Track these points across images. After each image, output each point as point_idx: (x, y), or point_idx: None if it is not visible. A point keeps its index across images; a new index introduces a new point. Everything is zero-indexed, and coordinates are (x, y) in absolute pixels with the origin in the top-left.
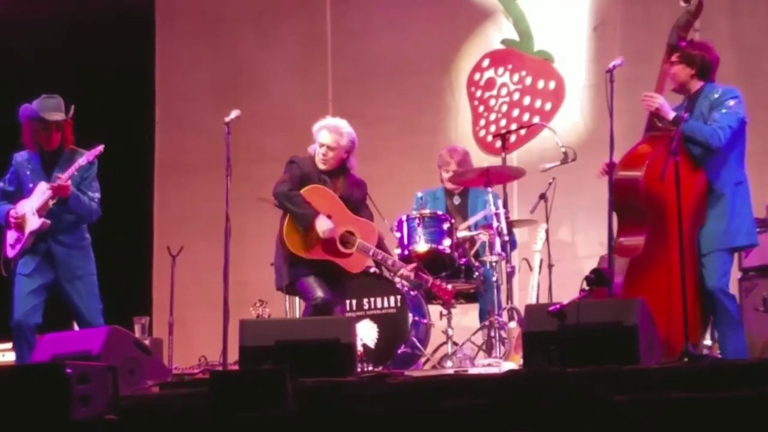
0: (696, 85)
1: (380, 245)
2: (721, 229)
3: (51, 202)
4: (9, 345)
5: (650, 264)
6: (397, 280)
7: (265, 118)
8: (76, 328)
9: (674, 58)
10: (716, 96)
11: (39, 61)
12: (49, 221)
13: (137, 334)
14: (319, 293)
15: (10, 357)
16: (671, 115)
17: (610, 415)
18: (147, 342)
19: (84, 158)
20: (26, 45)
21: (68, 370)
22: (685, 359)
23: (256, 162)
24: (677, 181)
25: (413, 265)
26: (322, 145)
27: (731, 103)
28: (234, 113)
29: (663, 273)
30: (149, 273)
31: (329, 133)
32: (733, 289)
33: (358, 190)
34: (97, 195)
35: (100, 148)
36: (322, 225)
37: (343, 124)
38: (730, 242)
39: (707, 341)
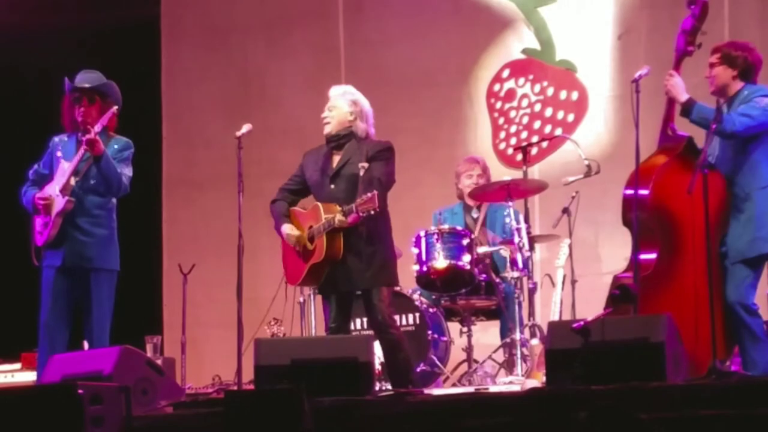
0: (737, 86)
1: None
2: (748, 237)
3: (73, 180)
4: (18, 365)
5: (675, 279)
6: (415, 298)
7: (277, 132)
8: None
9: (715, 59)
10: (746, 94)
11: (43, 75)
12: (73, 200)
13: (149, 354)
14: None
15: (20, 377)
16: (683, 97)
17: None
18: (159, 362)
19: (98, 125)
20: (31, 59)
21: (80, 391)
22: (713, 376)
23: (267, 177)
24: (705, 196)
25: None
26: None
27: (758, 98)
28: (245, 127)
29: (689, 288)
30: (159, 291)
31: (330, 95)
32: (763, 302)
33: (357, 160)
34: (129, 174)
35: (113, 110)
36: (285, 229)
37: (349, 88)
38: (758, 250)
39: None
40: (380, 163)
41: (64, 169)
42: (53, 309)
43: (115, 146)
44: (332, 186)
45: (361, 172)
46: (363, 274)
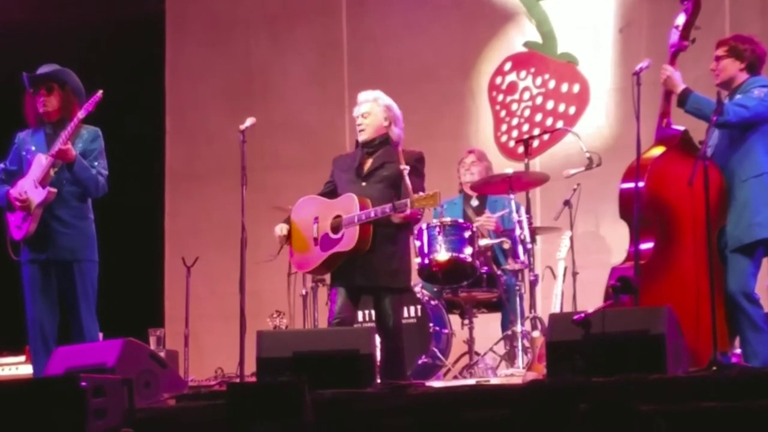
0: (742, 79)
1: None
2: (744, 224)
3: (52, 171)
4: (22, 358)
5: (673, 269)
6: (417, 290)
7: (280, 126)
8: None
9: (722, 52)
10: (745, 85)
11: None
12: (55, 189)
13: (152, 347)
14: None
15: (24, 370)
16: (680, 87)
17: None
18: (162, 354)
19: (82, 111)
20: (35, 53)
21: (83, 383)
22: (714, 368)
23: (270, 170)
24: (706, 187)
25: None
26: (357, 117)
27: (756, 89)
28: (249, 121)
29: (689, 279)
30: (162, 284)
31: (362, 101)
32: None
33: (392, 164)
34: (104, 171)
35: (98, 94)
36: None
37: (379, 94)
38: (754, 236)
39: (737, 350)
40: (415, 177)
41: (42, 161)
42: (41, 304)
43: (85, 136)
44: (364, 184)
45: (406, 172)
46: (381, 272)
